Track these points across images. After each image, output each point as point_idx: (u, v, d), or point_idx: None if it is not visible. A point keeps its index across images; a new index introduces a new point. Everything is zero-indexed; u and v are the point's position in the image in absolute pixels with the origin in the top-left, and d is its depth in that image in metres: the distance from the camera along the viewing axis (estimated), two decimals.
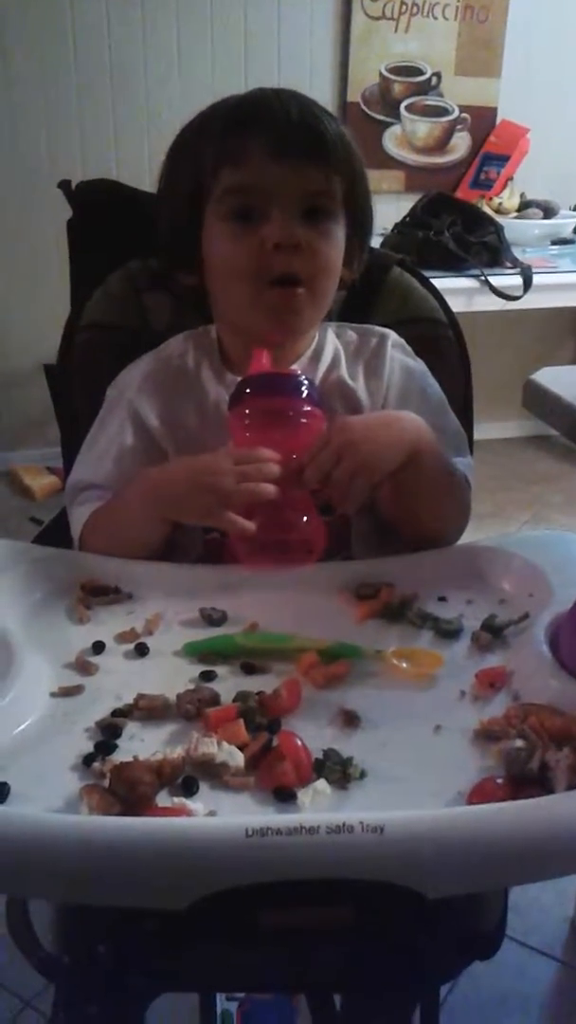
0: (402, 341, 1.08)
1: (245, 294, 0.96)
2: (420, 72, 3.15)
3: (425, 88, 3.18)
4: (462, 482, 1.02)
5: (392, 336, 1.07)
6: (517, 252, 2.67)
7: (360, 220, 1.00)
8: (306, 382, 0.94)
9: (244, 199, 0.93)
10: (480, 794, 0.63)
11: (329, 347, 1.05)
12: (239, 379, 0.97)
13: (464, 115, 3.22)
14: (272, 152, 0.92)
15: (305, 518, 0.91)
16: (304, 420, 0.92)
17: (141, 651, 0.81)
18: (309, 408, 0.92)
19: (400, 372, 1.05)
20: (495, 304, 2.55)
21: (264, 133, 0.92)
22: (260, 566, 0.91)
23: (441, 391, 1.07)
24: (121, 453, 1.01)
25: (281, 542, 0.90)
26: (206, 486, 0.88)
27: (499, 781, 0.64)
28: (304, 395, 0.93)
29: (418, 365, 1.07)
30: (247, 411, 0.93)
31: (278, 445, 0.89)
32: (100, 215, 1.23)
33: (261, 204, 0.93)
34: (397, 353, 1.06)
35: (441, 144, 3.24)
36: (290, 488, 0.88)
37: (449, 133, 3.24)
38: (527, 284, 2.55)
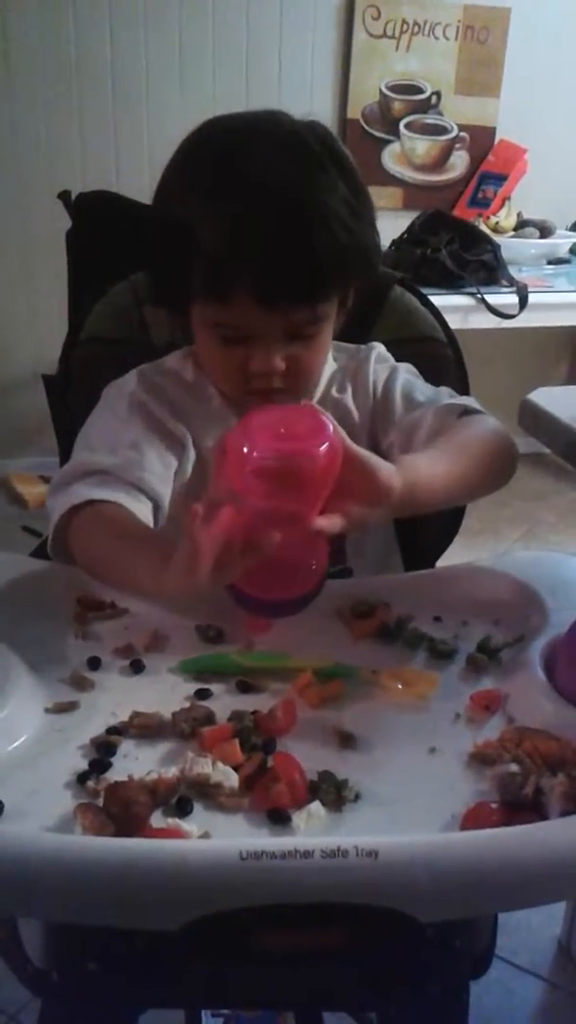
0: (386, 353, 1.10)
1: (228, 394, 1.01)
2: (420, 91, 3.17)
3: (425, 106, 3.19)
4: (484, 443, 0.97)
5: (376, 350, 1.09)
6: (513, 271, 2.68)
7: (360, 281, 0.98)
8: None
9: (228, 331, 0.93)
10: (474, 818, 0.63)
11: (327, 369, 1.06)
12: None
13: (463, 134, 3.24)
14: (259, 300, 0.89)
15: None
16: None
17: (137, 668, 0.81)
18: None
19: (381, 376, 1.07)
20: (491, 322, 2.56)
21: (250, 281, 0.88)
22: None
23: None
24: (135, 440, 0.97)
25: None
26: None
27: (493, 805, 0.64)
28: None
29: (398, 364, 1.09)
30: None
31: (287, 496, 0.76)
32: (99, 226, 1.23)
33: (245, 333, 0.93)
34: (377, 364, 1.08)
35: (439, 162, 3.26)
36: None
37: (448, 151, 3.25)
38: (523, 303, 2.56)
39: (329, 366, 1.07)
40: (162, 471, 0.97)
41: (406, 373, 1.07)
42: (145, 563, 0.81)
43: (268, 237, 0.87)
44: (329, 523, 0.76)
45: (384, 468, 0.80)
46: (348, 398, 1.05)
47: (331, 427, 0.76)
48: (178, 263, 0.92)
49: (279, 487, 0.74)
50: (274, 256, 0.87)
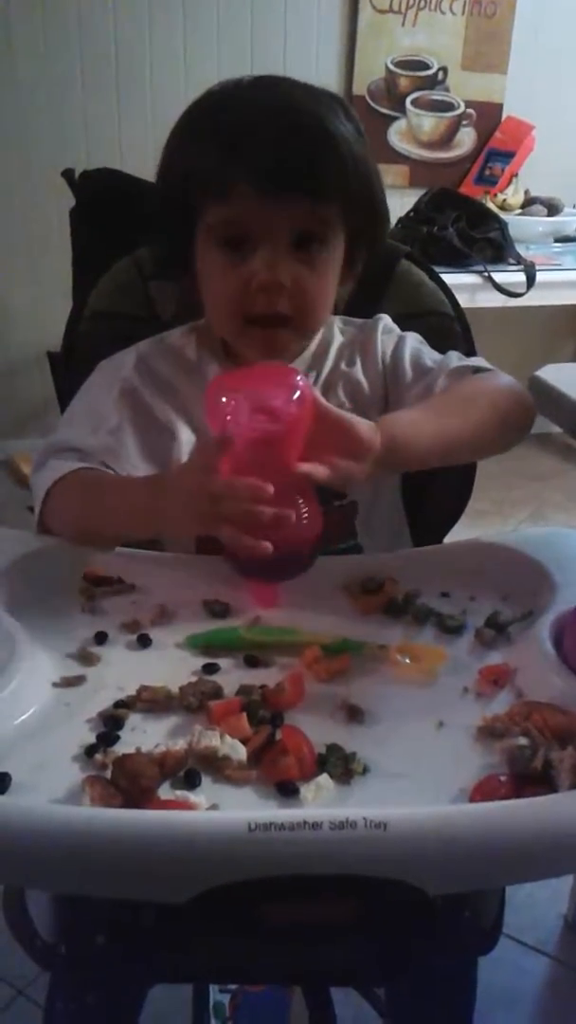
0: (392, 324, 1.09)
1: (230, 328, 0.98)
2: (426, 66, 3.14)
3: (431, 83, 3.16)
4: (494, 396, 0.97)
5: (382, 321, 1.08)
6: (521, 249, 2.67)
7: (366, 225, 0.98)
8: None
9: (231, 231, 0.92)
10: (483, 791, 0.63)
11: (335, 341, 1.06)
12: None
13: (470, 110, 3.21)
14: (258, 190, 0.88)
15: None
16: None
17: (144, 642, 0.81)
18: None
19: (389, 347, 1.06)
20: (498, 300, 2.54)
21: (249, 169, 0.88)
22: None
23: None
24: (118, 425, 0.98)
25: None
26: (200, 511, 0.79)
27: (502, 779, 0.64)
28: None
29: (405, 333, 1.08)
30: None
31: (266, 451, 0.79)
32: (103, 204, 1.22)
33: (249, 235, 0.91)
34: (384, 335, 1.07)
35: (446, 139, 3.23)
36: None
37: (454, 128, 3.23)
38: (530, 281, 2.55)
39: (337, 340, 1.06)
40: (141, 463, 0.97)
41: (413, 341, 1.06)
42: (139, 494, 0.86)
43: (267, 126, 0.88)
44: (313, 468, 0.78)
45: (362, 423, 0.82)
46: (358, 371, 1.05)
47: (299, 376, 0.81)
48: (181, 185, 0.93)
49: (256, 445, 0.78)
50: (272, 144, 0.88)
